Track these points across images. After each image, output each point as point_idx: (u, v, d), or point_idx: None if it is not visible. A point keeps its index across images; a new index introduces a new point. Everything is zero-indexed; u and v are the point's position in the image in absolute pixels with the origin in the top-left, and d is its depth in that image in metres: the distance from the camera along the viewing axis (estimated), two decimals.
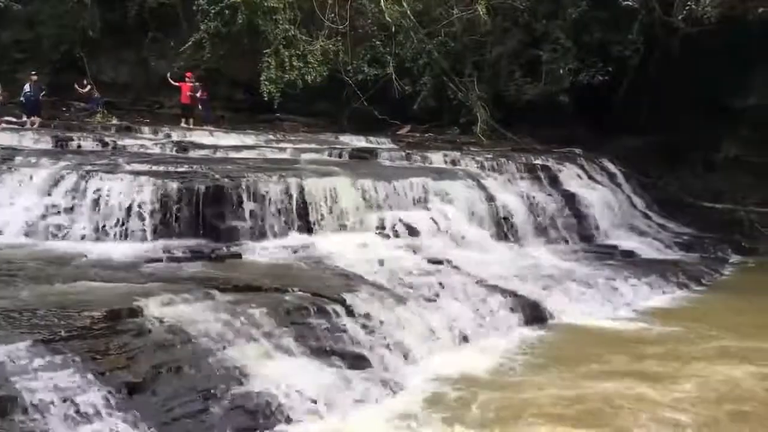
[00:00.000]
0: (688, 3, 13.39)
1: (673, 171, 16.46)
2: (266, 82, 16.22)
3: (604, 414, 5.55)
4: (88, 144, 12.25)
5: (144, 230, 8.20)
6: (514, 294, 8.29)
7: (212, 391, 5.12)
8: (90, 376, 4.71)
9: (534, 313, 8.10)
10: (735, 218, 14.48)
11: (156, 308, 5.81)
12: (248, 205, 8.77)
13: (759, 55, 14.82)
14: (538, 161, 13.28)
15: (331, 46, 16.56)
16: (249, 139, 14.18)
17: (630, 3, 14.34)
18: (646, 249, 12.02)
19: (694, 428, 5.33)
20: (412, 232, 9.51)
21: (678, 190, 15.88)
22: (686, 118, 15.72)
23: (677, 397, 5.89)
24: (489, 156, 13.16)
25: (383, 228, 9.43)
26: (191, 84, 16.66)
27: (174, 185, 8.51)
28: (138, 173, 8.92)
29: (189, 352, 5.39)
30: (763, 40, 14.38)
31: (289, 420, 5.17)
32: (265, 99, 16.40)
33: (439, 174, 11.19)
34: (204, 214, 8.47)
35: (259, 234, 8.69)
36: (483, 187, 11.18)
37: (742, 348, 7.22)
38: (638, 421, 5.43)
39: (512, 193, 11.49)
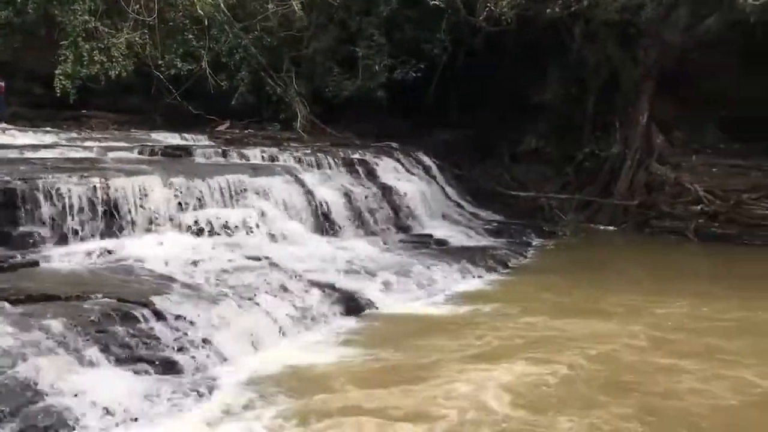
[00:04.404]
0: (488, 4, 14.27)
1: (483, 163, 17.57)
2: (61, 77, 15.07)
3: (428, 398, 5.73)
4: None
5: None
6: (332, 287, 8.37)
7: None
8: None
9: (352, 305, 8.23)
10: (537, 205, 15.77)
11: None
12: (46, 209, 8.08)
13: (552, 54, 16.22)
14: (356, 155, 13.57)
15: (137, 39, 15.73)
16: (49, 138, 13.10)
17: (437, 2, 15.01)
18: (459, 237, 12.67)
19: (518, 394, 5.76)
20: (229, 230, 9.30)
21: (488, 180, 16.96)
22: (493, 113, 16.88)
23: (486, 373, 6.24)
24: (308, 151, 13.21)
25: (198, 227, 9.12)
26: None
27: None
28: None
29: None
30: (554, 40, 15.75)
31: None
32: (58, 95, 15.24)
33: (257, 170, 11.03)
34: None
35: (60, 239, 8.05)
36: (301, 183, 11.19)
37: (547, 319, 7.97)
38: (455, 394, 5.75)
39: (331, 188, 11.60)
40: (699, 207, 13.73)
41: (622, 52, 15.67)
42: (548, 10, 14.01)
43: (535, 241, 13.55)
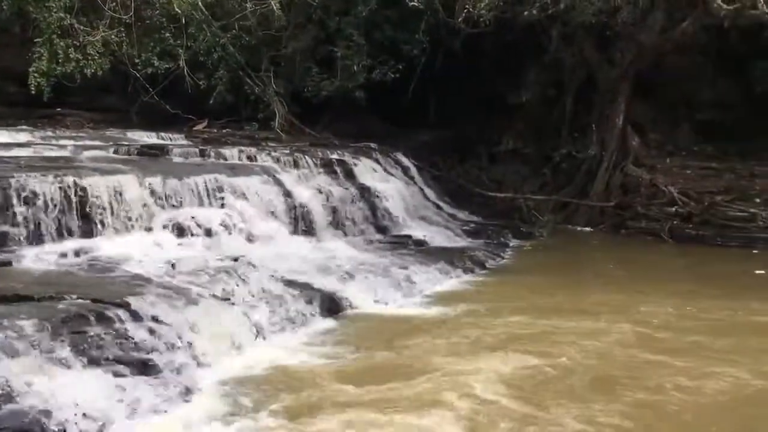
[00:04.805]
0: (467, 6, 14.32)
1: (461, 163, 17.64)
2: (36, 74, 14.86)
3: (408, 395, 5.75)
4: None
5: None
6: (310, 287, 8.34)
7: None
8: None
9: (330, 305, 8.20)
10: (514, 205, 15.84)
11: None
12: (19, 208, 7.97)
13: (530, 56, 16.34)
14: (335, 156, 13.53)
15: (113, 36, 15.55)
16: (23, 136, 12.90)
17: (416, 3, 15.03)
18: (437, 237, 12.67)
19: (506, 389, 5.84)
20: (206, 230, 9.24)
21: (466, 181, 17.01)
22: (471, 114, 16.96)
23: (476, 367, 6.31)
24: (286, 151, 13.14)
25: (175, 227, 9.04)
26: None
27: None
28: None
29: None
30: (532, 42, 15.87)
31: None
32: (33, 92, 15.02)
33: (234, 170, 10.97)
34: None
35: (34, 239, 7.94)
36: (280, 183, 11.15)
37: (529, 318, 8.06)
38: (438, 389, 5.78)
39: (309, 188, 11.56)
40: (674, 208, 13.88)
41: (599, 54, 15.82)
42: (526, 13, 14.12)
43: (513, 242, 13.58)
